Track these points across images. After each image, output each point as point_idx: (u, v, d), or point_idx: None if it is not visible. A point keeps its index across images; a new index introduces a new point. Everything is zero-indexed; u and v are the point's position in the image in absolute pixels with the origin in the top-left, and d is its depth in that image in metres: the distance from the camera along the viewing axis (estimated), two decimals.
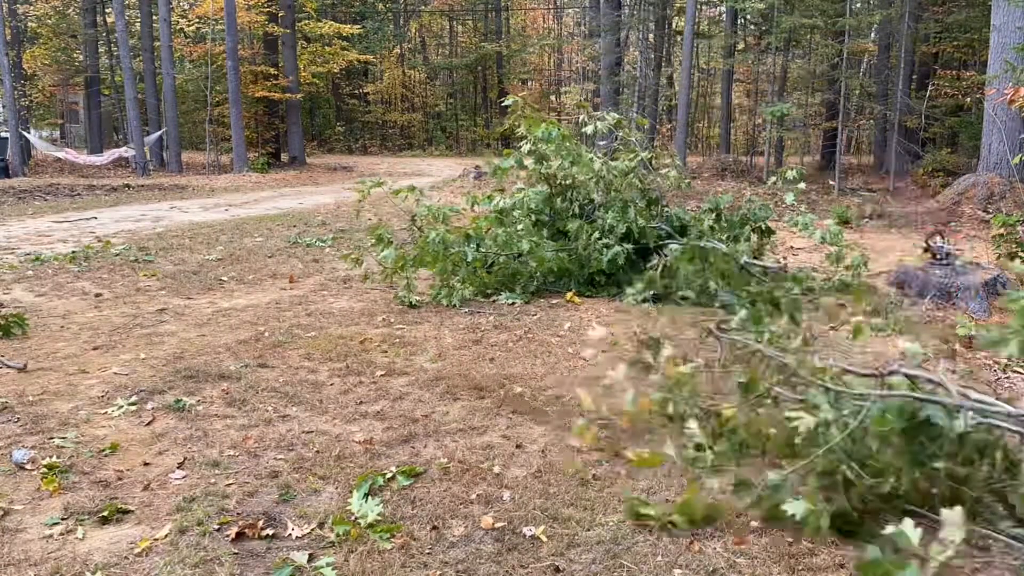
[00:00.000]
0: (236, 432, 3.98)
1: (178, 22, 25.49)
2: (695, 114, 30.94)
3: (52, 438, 3.84)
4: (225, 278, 7.99)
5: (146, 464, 3.60)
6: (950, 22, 17.31)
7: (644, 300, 6.80)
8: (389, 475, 3.48)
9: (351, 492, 3.32)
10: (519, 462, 3.66)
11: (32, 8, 27.17)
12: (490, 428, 4.07)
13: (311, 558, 2.83)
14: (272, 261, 8.82)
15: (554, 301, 6.93)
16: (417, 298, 6.80)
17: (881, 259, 9.21)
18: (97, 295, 7.15)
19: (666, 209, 7.53)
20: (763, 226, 7.46)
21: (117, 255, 8.95)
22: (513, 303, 6.83)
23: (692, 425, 3.31)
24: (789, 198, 9.21)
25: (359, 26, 31.82)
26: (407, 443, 3.87)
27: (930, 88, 17.94)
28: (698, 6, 22.64)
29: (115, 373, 4.87)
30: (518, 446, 3.84)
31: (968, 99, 17.50)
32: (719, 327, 4.18)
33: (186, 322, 6.21)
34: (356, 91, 37.06)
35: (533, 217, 7.64)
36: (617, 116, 8.04)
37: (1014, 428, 2.82)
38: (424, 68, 39.33)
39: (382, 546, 2.93)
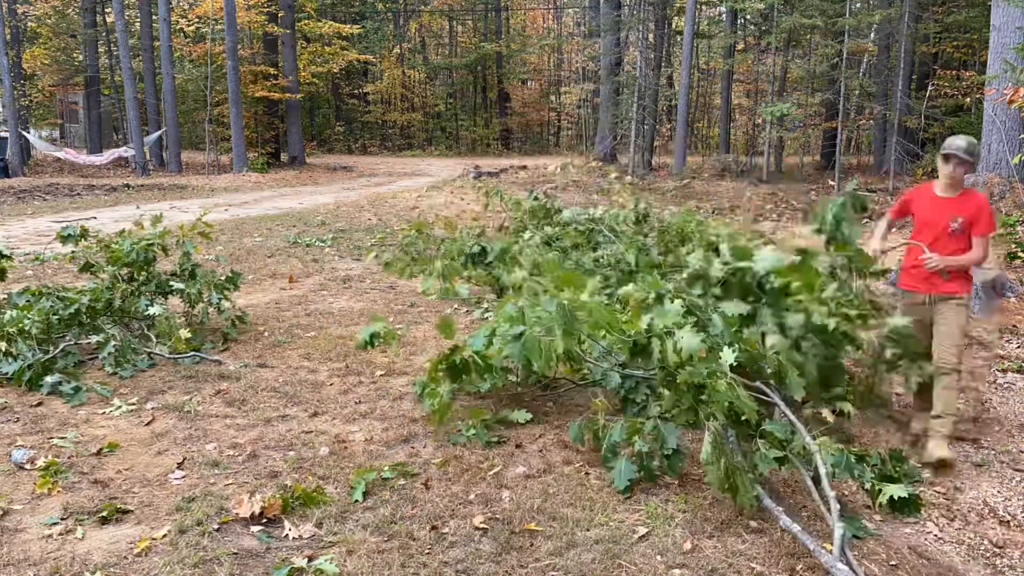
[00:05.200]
0: (236, 432, 3.98)
1: (178, 22, 25.46)
2: (695, 114, 30.94)
3: (51, 438, 3.84)
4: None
5: (146, 464, 3.60)
6: (950, 22, 17.31)
7: None
8: (388, 475, 3.48)
9: (350, 492, 3.32)
10: (519, 462, 3.66)
11: (32, 8, 27.15)
12: (490, 428, 4.07)
13: (310, 558, 2.83)
14: (272, 261, 8.82)
15: None
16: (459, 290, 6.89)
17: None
18: None
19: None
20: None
21: None
22: None
23: None
24: None
25: (359, 26, 31.77)
26: (407, 443, 3.88)
27: (930, 88, 17.93)
28: (698, 6, 22.62)
29: None
30: (518, 446, 3.84)
31: (968, 99, 17.48)
32: None
33: None
34: (356, 91, 37.02)
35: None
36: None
37: None
38: (424, 68, 39.28)
39: (382, 546, 2.93)
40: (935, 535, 3.17)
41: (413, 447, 3.82)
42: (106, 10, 27.24)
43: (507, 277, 6.89)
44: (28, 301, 5.10)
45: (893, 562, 2.94)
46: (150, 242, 5.55)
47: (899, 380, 4.19)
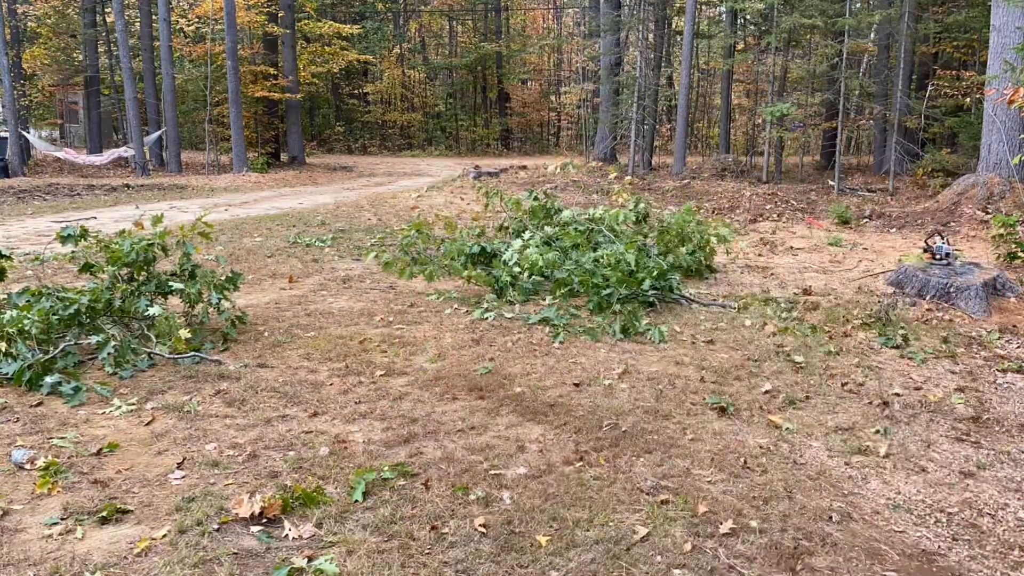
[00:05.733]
0: (236, 432, 3.98)
1: (178, 22, 25.44)
2: (695, 114, 30.92)
3: (51, 438, 3.84)
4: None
5: (146, 464, 3.60)
6: (950, 22, 17.29)
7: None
8: (388, 475, 3.48)
9: (350, 492, 3.32)
10: (519, 462, 3.66)
11: (32, 8, 27.14)
12: (490, 428, 4.07)
13: (310, 558, 2.83)
14: (272, 261, 8.82)
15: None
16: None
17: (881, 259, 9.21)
18: None
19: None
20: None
21: None
22: (513, 303, 6.83)
23: None
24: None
25: (359, 26, 31.76)
26: (407, 443, 3.87)
27: (930, 88, 17.93)
28: (698, 6, 22.61)
29: None
30: (518, 446, 3.84)
31: (968, 99, 17.47)
32: None
33: None
34: (356, 91, 37.02)
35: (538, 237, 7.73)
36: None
37: None
38: (424, 68, 39.28)
39: (382, 546, 2.93)
40: (935, 535, 3.17)
41: (413, 447, 3.82)
42: (106, 10, 27.24)
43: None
44: (28, 301, 5.10)
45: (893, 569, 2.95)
46: (150, 242, 5.55)
47: None
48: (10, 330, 4.70)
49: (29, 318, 4.78)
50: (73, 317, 5.03)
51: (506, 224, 8.47)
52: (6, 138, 21.01)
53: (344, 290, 7.47)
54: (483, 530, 3.05)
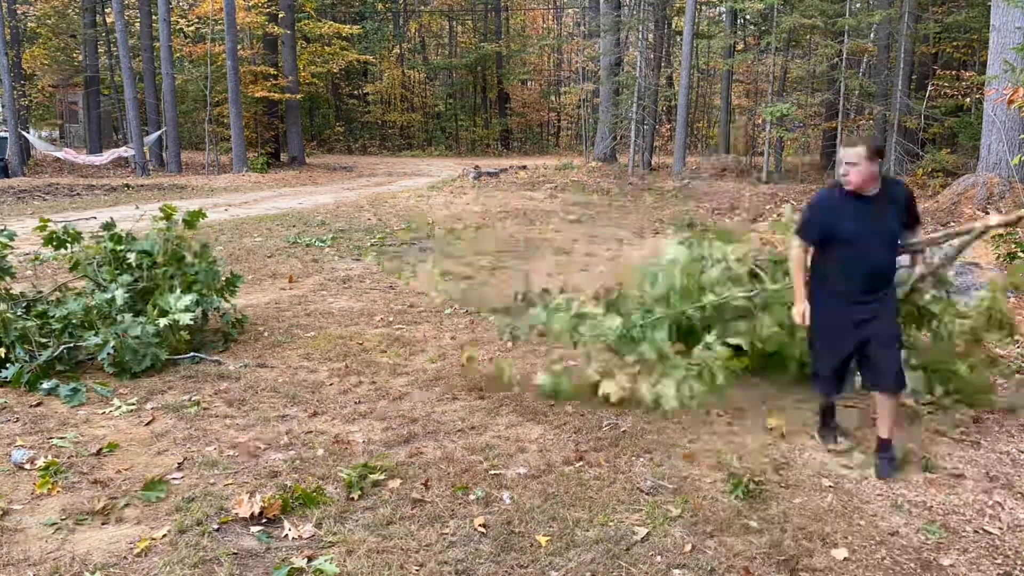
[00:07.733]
0: (236, 432, 3.98)
1: (178, 22, 25.42)
2: (695, 114, 30.92)
3: (51, 438, 3.84)
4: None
5: (146, 464, 3.60)
6: (950, 22, 17.28)
7: None
8: (387, 475, 3.48)
9: (350, 491, 3.32)
10: (519, 462, 3.66)
11: (32, 8, 27.14)
12: (490, 428, 4.07)
13: (310, 558, 2.83)
14: (271, 261, 8.82)
15: None
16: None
17: None
18: None
19: None
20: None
21: None
22: None
23: None
24: None
25: (359, 26, 31.76)
26: (407, 443, 3.87)
27: (930, 88, 17.91)
28: (698, 6, 22.60)
29: None
30: (518, 446, 3.84)
31: (968, 99, 17.46)
32: None
33: None
34: (356, 91, 37.02)
35: None
36: None
37: None
38: (424, 68, 39.26)
39: (381, 546, 2.93)
40: (935, 535, 3.17)
41: (413, 447, 3.82)
42: (106, 10, 27.22)
43: None
44: (28, 304, 5.10)
45: (888, 562, 2.94)
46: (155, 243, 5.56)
47: None
48: (7, 340, 4.69)
49: (30, 320, 4.78)
50: (68, 319, 5.03)
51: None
52: (6, 138, 21.02)
53: (344, 290, 7.47)
54: (483, 530, 3.05)
